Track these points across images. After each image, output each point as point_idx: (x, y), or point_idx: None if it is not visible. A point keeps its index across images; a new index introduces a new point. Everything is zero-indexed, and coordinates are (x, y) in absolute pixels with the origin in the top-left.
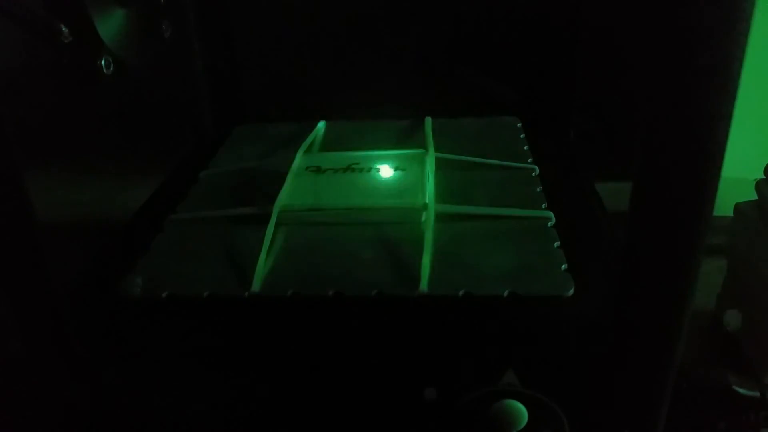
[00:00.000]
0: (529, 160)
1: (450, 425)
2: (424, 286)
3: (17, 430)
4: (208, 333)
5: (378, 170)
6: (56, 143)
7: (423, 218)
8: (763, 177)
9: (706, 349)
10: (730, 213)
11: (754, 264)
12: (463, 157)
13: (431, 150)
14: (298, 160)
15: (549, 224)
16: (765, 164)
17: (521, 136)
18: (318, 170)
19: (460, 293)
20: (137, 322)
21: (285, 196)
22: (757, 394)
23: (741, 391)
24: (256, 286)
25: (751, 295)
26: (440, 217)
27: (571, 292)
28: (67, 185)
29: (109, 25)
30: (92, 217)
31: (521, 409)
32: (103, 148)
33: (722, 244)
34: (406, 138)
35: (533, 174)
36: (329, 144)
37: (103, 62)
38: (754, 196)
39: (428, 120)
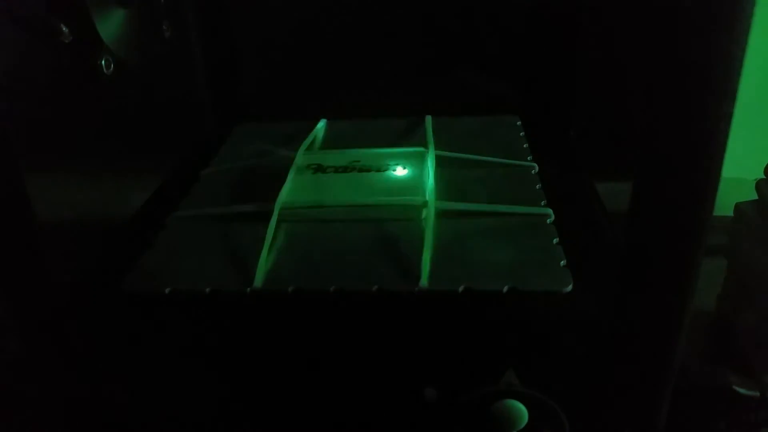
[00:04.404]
0: (528, 158)
1: (450, 425)
2: (424, 281)
3: (17, 430)
4: (211, 328)
5: (378, 168)
6: (56, 143)
7: (423, 215)
8: (763, 177)
9: (707, 349)
10: (730, 213)
11: (754, 264)
12: (463, 155)
13: (431, 148)
14: (299, 158)
15: (548, 221)
16: (765, 164)
17: (521, 134)
18: (319, 168)
19: (460, 289)
20: (140, 319)
21: (286, 194)
22: (757, 394)
23: (741, 391)
24: (258, 282)
25: (751, 295)
26: (440, 214)
27: (570, 287)
28: (67, 185)
29: (109, 25)
30: (93, 217)
31: (521, 409)
32: (104, 147)
33: (722, 244)
34: (406, 136)
35: (533, 171)
36: (330, 142)
37: (103, 62)
38: (754, 196)
39: (428, 118)
